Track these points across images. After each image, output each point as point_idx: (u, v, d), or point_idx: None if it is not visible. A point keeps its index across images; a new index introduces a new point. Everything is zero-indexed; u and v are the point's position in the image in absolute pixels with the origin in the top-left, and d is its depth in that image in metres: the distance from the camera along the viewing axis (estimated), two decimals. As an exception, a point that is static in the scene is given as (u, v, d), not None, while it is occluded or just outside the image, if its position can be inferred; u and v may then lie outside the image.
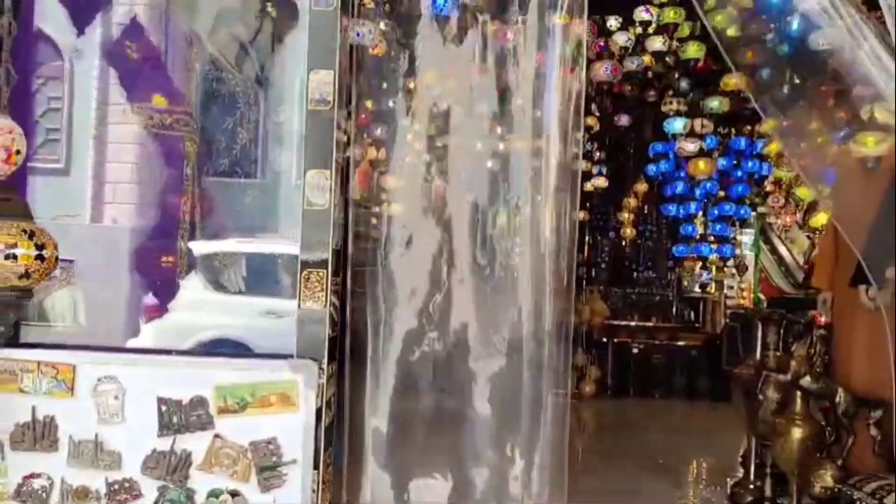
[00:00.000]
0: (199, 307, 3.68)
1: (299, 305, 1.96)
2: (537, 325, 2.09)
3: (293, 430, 1.91)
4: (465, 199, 2.29)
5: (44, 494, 1.91)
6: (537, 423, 2.04)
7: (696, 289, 6.77)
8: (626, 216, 6.52)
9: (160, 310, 2.62)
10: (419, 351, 2.09)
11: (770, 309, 4.54)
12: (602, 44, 4.71)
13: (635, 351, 6.44)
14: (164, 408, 1.92)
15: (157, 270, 2.51)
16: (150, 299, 3.74)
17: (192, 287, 3.32)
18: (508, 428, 2.08)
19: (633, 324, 6.57)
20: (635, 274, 6.83)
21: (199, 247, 2.56)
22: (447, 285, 2.14)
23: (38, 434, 1.91)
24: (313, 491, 1.91)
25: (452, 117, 2.29)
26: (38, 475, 1.91)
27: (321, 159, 1.96)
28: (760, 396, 3.10)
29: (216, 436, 1.91)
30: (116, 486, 1.91)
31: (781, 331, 3.21)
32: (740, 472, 3.61)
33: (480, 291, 2.13)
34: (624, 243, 6.65)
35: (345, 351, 2.06)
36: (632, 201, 6.47)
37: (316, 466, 1.92)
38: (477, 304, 2.13)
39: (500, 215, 2.25)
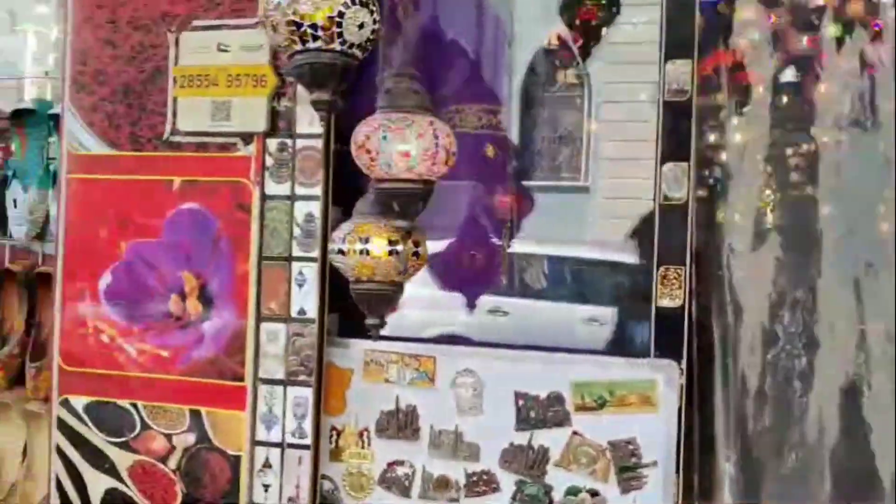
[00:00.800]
0: (428, 304, 3.75)
1: (655, 303, 1.90)
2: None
3: (653, 431, 1.86)
4: (811, 199, 2.13)
5: (406, 482, 1.98)
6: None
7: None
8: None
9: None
10: (773, 362, 1.97)
11: None
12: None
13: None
14: (521, 402, 1.93)
15: (469, 268, 2.55)
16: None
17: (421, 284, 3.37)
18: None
19: None
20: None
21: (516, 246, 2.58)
22: (803, 293, 2.00)
23: (402, 423, 1.99)
24: (674, 496, 1.85)
25: (792, 108, 2.15)
26: (402, 462, 1.99)
27: (679, 151, 1.90)
28: None
29: (574, 433, 1.90)
30: (475, 478, 1.95)
31: None
32: None
33: (845, 300, 1.97)
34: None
35: (692, 352, 1.98)
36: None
37: (677, 470, 1.86)
38: (843, 313, 1.97)
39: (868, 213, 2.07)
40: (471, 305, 2.73)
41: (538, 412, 1.92)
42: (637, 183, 2.36)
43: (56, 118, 2.19)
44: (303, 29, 1.34)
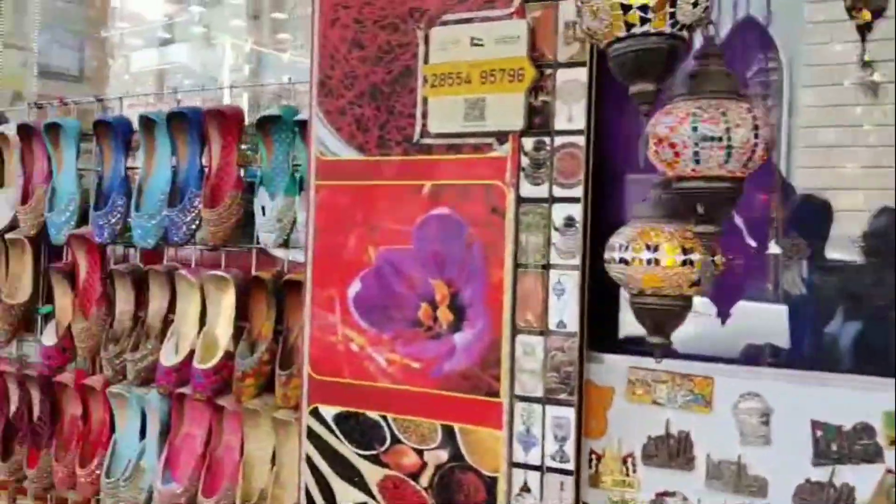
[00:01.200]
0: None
1: None
2: None
3: None
4: None
5: (678, 515, 1.78)
6: None
7: None
8: None
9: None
10: None
11: None
12: None
13: None
14: (819, 433, 1.67)
15: (723, 273, 2.28)
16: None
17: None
18: None
19: None
20: None
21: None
22: None
23: (673, 450, 1.79)
24: None
25: None
26: (673, 494, 1.78)
27: None
28: None
29: (888, 471, 1.61)
30: (763, 517, 1.71)
31: None
32: None
33: None
34: None
35: None
36: None
37: None
38: None
39: None
40: (723, 316, 2.47)
41: (841, 445, 1.65)
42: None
43: (301, 124, 2.18)
44: (631, 11, 1.18)
